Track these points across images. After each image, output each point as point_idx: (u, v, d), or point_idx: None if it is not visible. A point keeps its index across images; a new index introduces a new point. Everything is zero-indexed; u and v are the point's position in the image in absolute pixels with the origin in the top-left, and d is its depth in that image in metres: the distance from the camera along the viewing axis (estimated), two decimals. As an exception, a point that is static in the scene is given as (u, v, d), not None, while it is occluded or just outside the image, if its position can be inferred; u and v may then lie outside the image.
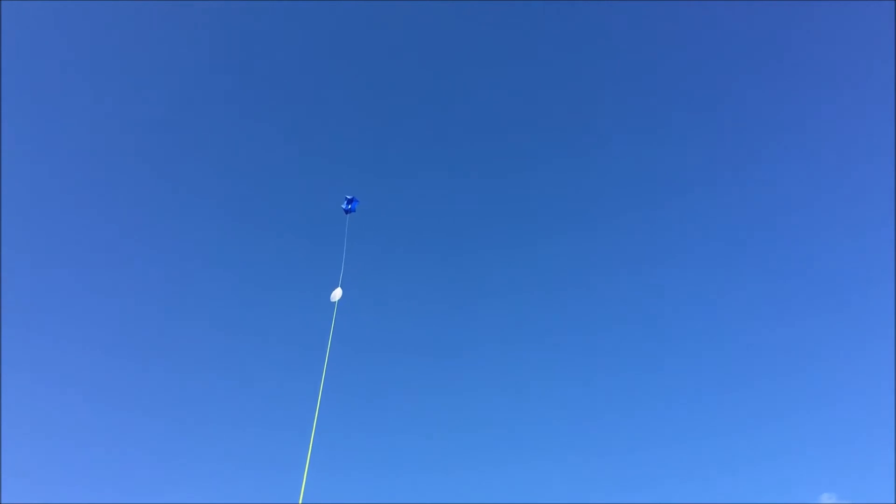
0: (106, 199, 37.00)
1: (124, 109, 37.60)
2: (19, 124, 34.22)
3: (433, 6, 41.14)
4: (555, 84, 42.52)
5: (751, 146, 40.08)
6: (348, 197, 19.14)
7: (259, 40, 40.03)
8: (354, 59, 41.75)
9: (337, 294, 16.55)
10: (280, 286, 38.47)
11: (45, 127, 35.75)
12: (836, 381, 33.99)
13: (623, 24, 41.40)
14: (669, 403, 34.96)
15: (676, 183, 41.39)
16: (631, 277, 39.84)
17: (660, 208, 40.68)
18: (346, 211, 19.07)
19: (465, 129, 43.07)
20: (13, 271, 32.07)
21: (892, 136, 34.29)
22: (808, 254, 38.23)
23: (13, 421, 28.25)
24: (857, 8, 37.06)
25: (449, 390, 36.47)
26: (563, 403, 35.74)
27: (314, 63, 41.66)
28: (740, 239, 39.61)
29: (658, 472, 31.69)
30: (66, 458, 29.79)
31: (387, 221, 40.61)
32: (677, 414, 34.47)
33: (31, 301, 33.15)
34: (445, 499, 29.63)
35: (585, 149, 42.52)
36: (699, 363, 36.38)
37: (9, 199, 32.50)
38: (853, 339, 35.27)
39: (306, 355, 33.50)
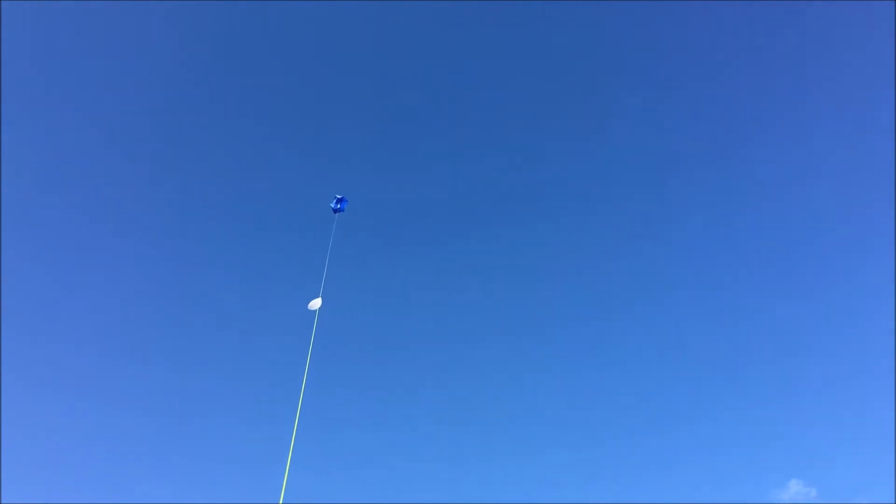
0: (97, 198, 37.06)
1: (120, 110, 37.72)
2: (18, 125, 34.29)
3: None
4: (552, 74, 42.72)
5: (749, 137, 40.38)
6: (338, 196, 18.93)
7: (251, 40, 40.13)
8: (347, 55, 41.87)
9: (316, 303, 16.26)
10: (271, 282, 38.63)
11: (43, 127, 35.82)
12: (805, 370, 34.62)
13: (623, 17, 41.54)
14: (644, 394, 35.59)
15: (674, 171, 41.76)
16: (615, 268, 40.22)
17: (656, 197, 41.15)
18: (335, 210, 18.85)
19: (464, 121, 43.32)
20: (11, 271, 32.13)
21: (893, 135, 34.41)
22: (788, 243, 38.67)
23: (13, 421, 28.28)
24: (857, 8, 37.18)
25: (442, 384, 36.75)
26: (548, 395, 36.26)
27: (307, 60, 41.74)
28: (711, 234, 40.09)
29: (629, 462, 32.27)
30: (65, 458, 29.81)
31: (382, 211, 41.01)
32: (650, 403, 35.08)
33: (30, 300, 33.22)
34: (441, 495, 29.89)
35: (584, 137, 42.83)
36: (677, 353, 37.02)
37: (8, 199, 32.55)
38: (824, 329, 36.17)
39: (301, 351, 33.41)
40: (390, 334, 38.36)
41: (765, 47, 40.00)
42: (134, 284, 36.03)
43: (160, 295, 36.37)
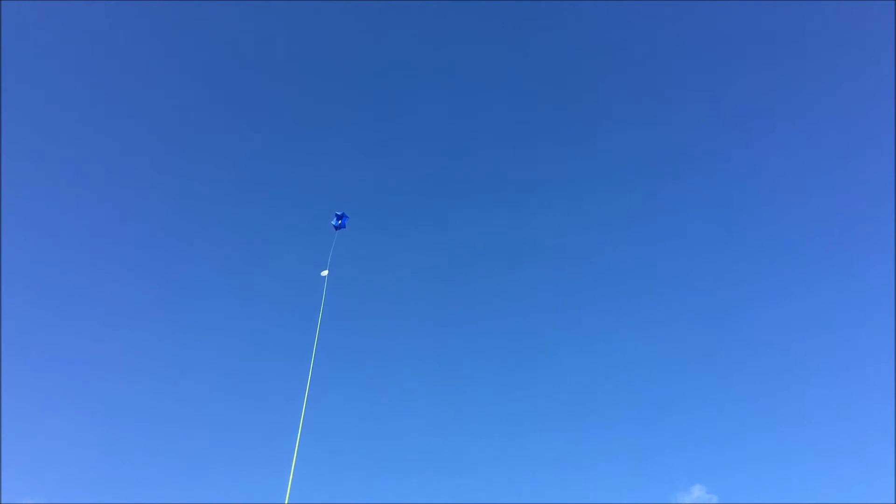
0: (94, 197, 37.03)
1: (117, 110, 37.76)
2: (17, 124, 34.32)
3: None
4: (550, 74, 42.93)
5: (746, 136, 40.79)
6: (338, 213, 18.96)
7: (249, 40, 40.15)
8: (351, 55, 41.94)
9: (325, 272, 17.16)
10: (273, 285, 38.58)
11: (41, 127, 35.88)
12: (715, 381, 36.01)
13: (619, 17, 41.60)
14: (555, 395, 36.63)
15: (670, 168, 42.50)
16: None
17: (652, 192, 41.96)
18: (336, 227, 18.85)
19: (467, 115, 44.19)
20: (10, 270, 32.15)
21: (893, 136, 34.40)
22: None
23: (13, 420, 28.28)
24: (857, 8, 37.19)
25: (447, 390, 37.07)
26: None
27: (313, 60, 41.76)
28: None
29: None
30: (65, 459, 29.82)
31: (387, 205, 42.03)
32: (562, 404, 36.15)
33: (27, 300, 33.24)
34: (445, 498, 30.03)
35: (581, 134, 43.81)
36: (593, 356, 37.90)
37: (8, 199, 32.58)
38: (739, 340, 37.22)
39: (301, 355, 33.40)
40: (397, 335, 38.56)
41: (764, 47, 40.07)
42: (136, 288, 36.11)
43: (155, 294, 36.49)
